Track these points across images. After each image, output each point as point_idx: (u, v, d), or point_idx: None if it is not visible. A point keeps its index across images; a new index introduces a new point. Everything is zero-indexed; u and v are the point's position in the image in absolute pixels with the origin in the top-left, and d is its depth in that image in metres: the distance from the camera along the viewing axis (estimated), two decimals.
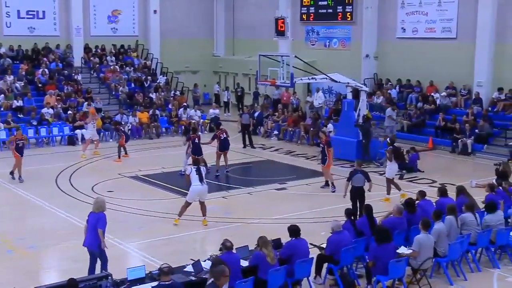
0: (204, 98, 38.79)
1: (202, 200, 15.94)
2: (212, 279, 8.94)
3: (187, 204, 15.88)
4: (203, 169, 15.97)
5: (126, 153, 24.37)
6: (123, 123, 29.04)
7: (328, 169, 19.91)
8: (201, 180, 15.67)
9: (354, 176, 16.15)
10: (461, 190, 14.61)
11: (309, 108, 31.45)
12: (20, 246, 14.55)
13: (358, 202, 15.86)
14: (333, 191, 19.28)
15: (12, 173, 20.59)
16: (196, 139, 20.93)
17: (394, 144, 19.93)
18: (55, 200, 18.28)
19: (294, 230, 11.69)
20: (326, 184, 19.98)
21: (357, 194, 16.06)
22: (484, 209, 13.83)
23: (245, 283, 10.42)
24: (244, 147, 26.53)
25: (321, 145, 20.39)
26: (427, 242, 11.88)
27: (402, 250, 12.02)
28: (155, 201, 18.35)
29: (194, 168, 15.81)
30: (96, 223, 11.95)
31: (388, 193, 18.62)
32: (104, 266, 11.92)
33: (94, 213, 12.11)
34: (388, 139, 21.47)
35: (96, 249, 11.99)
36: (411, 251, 11.87)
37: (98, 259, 12.02)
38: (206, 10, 40.33)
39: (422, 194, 14.34)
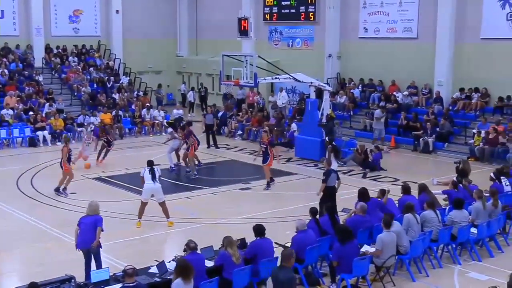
0: (167, 99, 38.62)
1: (159, 201, 15.94)
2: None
3: (143, 204, 15.97)
4: (157, 169, 16.07)
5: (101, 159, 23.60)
6: (85, 124, 28.77)
7: (268, 168, 20.02)
8: (153, 179, 15.81)
9: (330, 176, 16.12)
10: (423, 188, 14.84)
11: (272, 108, 31.57)
12: None
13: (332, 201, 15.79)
14: (266, 189, 19.64)
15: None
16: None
17: (333, 143, 20.39)
18: (16, 202, 18.00)
19: (258, 230, 11.72)
20: (268, 185, 20.07)
21: (333, 193, 15.95)
22: (452, 206, 14.03)
23: (210, 283, 10.42)
24: (208, 147, 26.50)
25: (262, 145, 20.42)
26: (390, 240, 12.02)
27: (366, 248, 12.15)
28: (119, 203, 18.21)
29: (147, 168, 15.97)
30: (94, 224, 12.06)
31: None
32: (96, 260, 12.04)
33: (89, 216, 12.22)
34: (326, 137, 21.88)
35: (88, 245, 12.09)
36: (374, 249, 12.00)
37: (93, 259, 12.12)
38: (169, 10, 40.15)
39: (382, 192, 14.50)
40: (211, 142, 26.85)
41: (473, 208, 14.10)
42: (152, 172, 15.91)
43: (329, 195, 15.67)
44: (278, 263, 9.94)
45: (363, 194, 13.93)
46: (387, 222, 12.16)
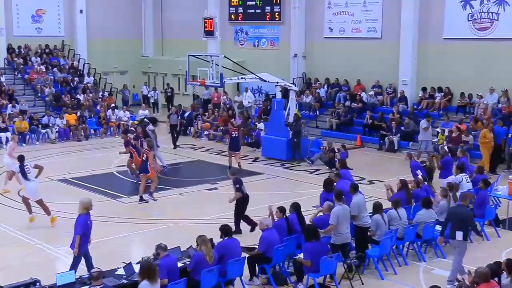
0: (133, 99, 38.34)
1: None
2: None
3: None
4: (29, 165, 16.21)
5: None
6: (50, 125, 28.44)
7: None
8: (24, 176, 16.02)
9: (243, 184, 15.54)
10: (404, 185, 15.04)
11: (238, 107, 31.60)
12: None
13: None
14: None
15: None
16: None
17: None
18: None
19: (225, 230, 11.73)
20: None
21: (247, 201, 15.53)
22: (419, 205, 14.21)
23: (178, 284, 10.39)
24: (175, 147, 26.38)
25: (233, 133, 22.23)
26: (344, 214, 12.28)
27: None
28: None
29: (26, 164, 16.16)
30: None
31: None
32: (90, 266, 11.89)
33: (80, 215, 12.02)
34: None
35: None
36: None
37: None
38: (134, 10, 39.87)
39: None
40: (178, 143, 26.76)
41: (439, 206, 14.30)
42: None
43: (244, 203, 15.28)
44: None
45: (329, 184, 14.08)
46: (337, 194, 12.47)
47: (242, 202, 15.28)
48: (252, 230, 14.85)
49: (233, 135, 22.73)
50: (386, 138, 26.22)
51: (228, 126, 28.16)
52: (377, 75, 29.46)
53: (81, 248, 11.81)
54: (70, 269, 11.43)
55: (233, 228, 13.65)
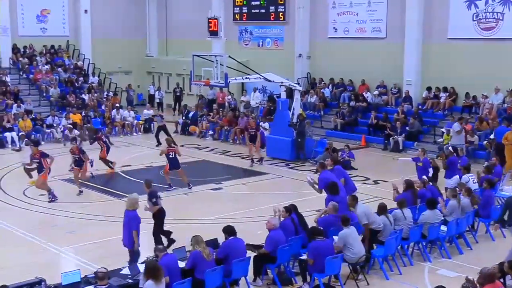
0: (137, 99, 38.40)
1: None
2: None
3: None
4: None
5: (111, 167, 22.09)
6: (54, 125, 28.49)
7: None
8: None
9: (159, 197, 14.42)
10: (409, 185, 15.01)
11: (245, 107, 31.61)
12: None
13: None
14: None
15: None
16: (172, 153, 19.73)
17: None
18: None
19: (229, 230, 11.72)
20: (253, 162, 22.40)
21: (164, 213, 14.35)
22: (425, 205, 14.15)
23: (183, 284, 10.39)
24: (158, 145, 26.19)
25: (251, 130, 23.45)
26: (352, 236, 12.10)
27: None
28: (88, 204, 18.06)
29: None
30: (128, 222, 12.18)
31: None
32: (132, 261, 12.02)
33: (127, 211, 12.32)
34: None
35: (129, 247, 12.26)
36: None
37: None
38: (138, 10, 39.89)
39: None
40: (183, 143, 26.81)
41: (449, 206, 14.28)
42: None
43: (163, 216, 14.13)
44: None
45: (332, 187, 14.02)
46: (344, 219, 12.25)
47: (160, 215, 14.00)
48: (169, 245, 13.72)
49: (252, 133, 23.61)
50: (391, 138, 26.18)
51: (233, 126, 28.28)
52: (382, 75, 29.43)
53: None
54: (130, 263, 11.69)
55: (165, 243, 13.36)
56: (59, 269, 12.23)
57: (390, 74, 29.08)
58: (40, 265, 12.89)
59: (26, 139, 20.59)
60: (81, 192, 19.07)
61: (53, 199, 18.10)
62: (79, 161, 19.14)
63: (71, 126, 25.70)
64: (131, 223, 12.21)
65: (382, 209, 13.23)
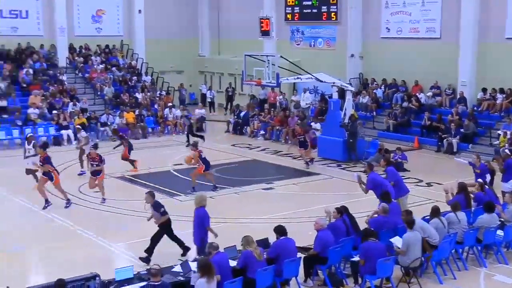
0: (189, 98, 38.73)
1: None
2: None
3: None
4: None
5: (134, 167, 22.08)
6: (109, 123, 28.97)
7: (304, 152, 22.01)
8: None
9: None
10: (463, 188, 14.71)
11: (295, 107, 31.55)
12: (6, 248, 14.43)
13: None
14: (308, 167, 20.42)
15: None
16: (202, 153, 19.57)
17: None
18: (41, 200, 18.12)
19: (280, 230, 11.70)
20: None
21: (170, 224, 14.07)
22: (482, 209, 13.88)
23: (233, 283, 10.42)
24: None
25: (299, 136, 22.78)
26: (415, 240, 11.92)
27: (395, 240, 12.11)
28: (142, 202, 18.25)
29: None
30: (197, 219, 12.51)
31: None
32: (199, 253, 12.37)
33: (196, 209, 12.65)
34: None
35: (197, 244, 12.52)
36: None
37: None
38: (190, 10, 40.24)
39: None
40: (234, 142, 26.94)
41: (508, 211, 13.96)
42: None
43: (170, 225, 13.84)
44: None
45: (385, 195, 13.85)
46: (409, 221, 12.08)
47: (167, 225, 13.75)
48: (184, 252, 13.72)
49: (300, 139, 23.15)
50: (445, 140, 25.73)
51: (285, 126, 28.24)
52: (436, 75, 28.95)
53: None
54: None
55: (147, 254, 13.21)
56: (112, 265, 12.45)
57: (444, 75, 28.57)
58: (94, 261, 13.11)
59: (33, 141, 20.08)
60: (104, 200, 18.17)
61: (46, 205, 17.49)
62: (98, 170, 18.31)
63: (80, 127, 24.20)
64: (201, 220, 12.46)
65: (435, 212, 13.01)
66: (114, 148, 23.18)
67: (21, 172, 19.58)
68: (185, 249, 13.74)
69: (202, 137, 27.34)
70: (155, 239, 13.48)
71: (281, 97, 32.52)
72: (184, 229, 13.78)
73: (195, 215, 12.69)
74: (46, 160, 17.42)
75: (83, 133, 22.61)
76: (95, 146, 19.19)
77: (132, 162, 22.24)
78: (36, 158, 18.57)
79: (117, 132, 25.32)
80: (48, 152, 18.07)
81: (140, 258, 13.18)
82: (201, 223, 12.56)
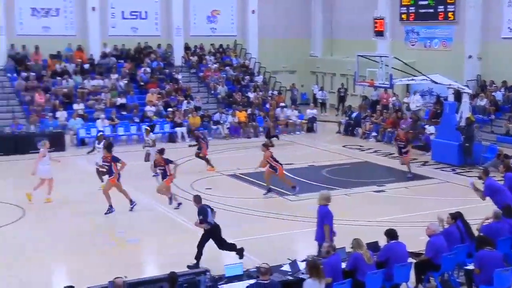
0: (301, 98, 38.77)
1: None
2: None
3: None
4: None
5: (211, 166, 22.15)
6: (221, 122, 29.51)
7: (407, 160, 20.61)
8: None
9: (208, 213, 13.22)
10: None
11: (407, 109, 30.87)
12: (121, 239, 15.00)
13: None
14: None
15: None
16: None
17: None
18: (156, 195, 18.69)
19: (391, 234, 11.46)
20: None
21: (217, 231, 13.36)
22: None
23: (343, 285, 10.32)
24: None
25: (400, 142, 21.48)
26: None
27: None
28: (253, 200, 18.48)
29: None
30: (320, 217, 12.53)
31: None
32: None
33: (320, 206, 12.65)
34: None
35: (319, 241, 12.39)
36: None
37: None
38: (303, 11, 40.29)
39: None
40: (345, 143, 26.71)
41: None
42: None
43: (211, 234, 13.13)
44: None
45: (508, 210, 13.07)
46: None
47: (209, 233, 13.15)
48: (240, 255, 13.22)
49: (400, 145, 21.90)
50: None
51: (397, 128, 27.68)
52: None
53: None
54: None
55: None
56: (222, 261, 12.63)
57: None
58: (205, 256, 13.36)
59: (103, 140, 19.86)
60: (179, 205, 17.60)
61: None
62: (164, 173, 17.76)
63: (148, 128, 23.18)
64: (323, 218, 12.42)
65: None
66: (190, 146, 23.23)
67: (135, 167, 20.09)
68: (239, 252, 13.27)
69: (276, 136, 27.56)
70: (199, 245, 13.00)
71: (394, 98, 31.88)
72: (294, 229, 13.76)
73: (318, 212, 12.64)
74: (113, 159, 17.08)
75: (151, 135, 22.08)
76: (161, 151, 18.10)
77: (208, 160, 22.07)
78: (100, 157, 18.44)
79: (193, 133, 24.97)
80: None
81: (188, 266, 12.39)
82: (323, 221, 12.49)
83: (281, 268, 11.21)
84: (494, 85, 30.19)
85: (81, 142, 26.89)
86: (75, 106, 29.51)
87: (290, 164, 22.79)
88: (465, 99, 23.94)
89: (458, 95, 24.84)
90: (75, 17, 34.09)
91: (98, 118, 28.03)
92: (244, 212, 17.17)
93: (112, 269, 12.46)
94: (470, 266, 11.45)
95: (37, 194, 17.95)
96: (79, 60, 33.07)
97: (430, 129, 26.16)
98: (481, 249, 11.10)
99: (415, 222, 15.95)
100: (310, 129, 30.82)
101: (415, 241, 12.81)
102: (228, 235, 15.13)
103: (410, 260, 11.56)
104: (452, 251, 11.69)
